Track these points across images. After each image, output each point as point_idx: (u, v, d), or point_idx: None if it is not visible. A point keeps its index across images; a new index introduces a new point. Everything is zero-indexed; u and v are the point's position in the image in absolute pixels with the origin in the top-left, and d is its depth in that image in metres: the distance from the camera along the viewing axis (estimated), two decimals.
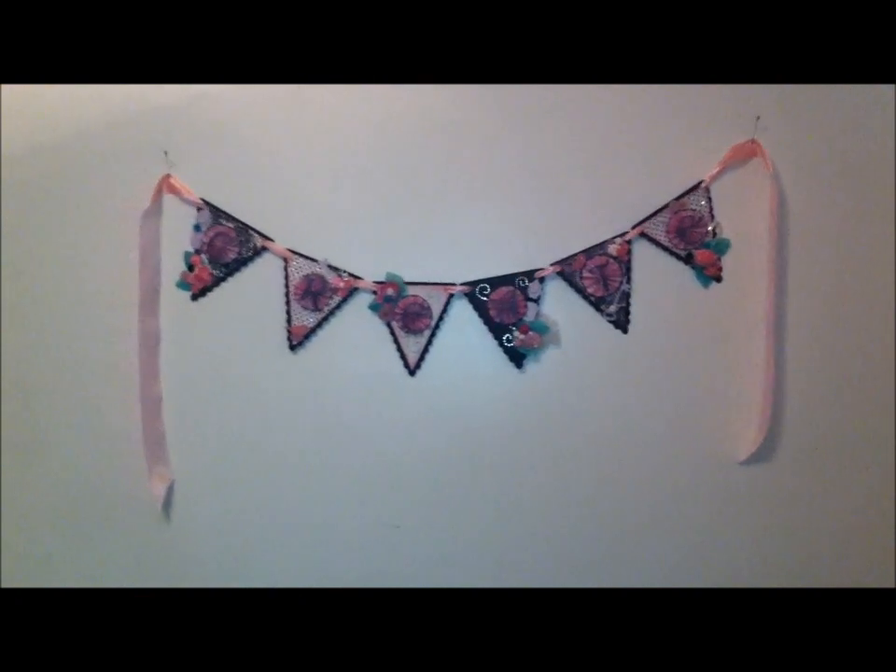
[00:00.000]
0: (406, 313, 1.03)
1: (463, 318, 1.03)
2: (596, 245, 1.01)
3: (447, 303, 1.03)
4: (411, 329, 1.03)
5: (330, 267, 1.04)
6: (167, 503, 1.07)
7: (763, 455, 1.00)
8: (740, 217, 1.00)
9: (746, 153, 0.99)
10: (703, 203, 1.00)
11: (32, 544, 1.10)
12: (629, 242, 1.01)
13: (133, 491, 1.07)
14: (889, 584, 1.00)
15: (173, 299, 1.06)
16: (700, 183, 1.00)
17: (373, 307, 1.03)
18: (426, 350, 1.03)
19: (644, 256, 1.01)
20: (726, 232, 1.00)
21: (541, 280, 1.02)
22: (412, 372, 1.04)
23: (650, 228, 1.01)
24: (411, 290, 1.03)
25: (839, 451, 1.00)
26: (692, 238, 1.00)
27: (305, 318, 1.04)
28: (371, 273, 1.03)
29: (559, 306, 1.02)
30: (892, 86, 0.96)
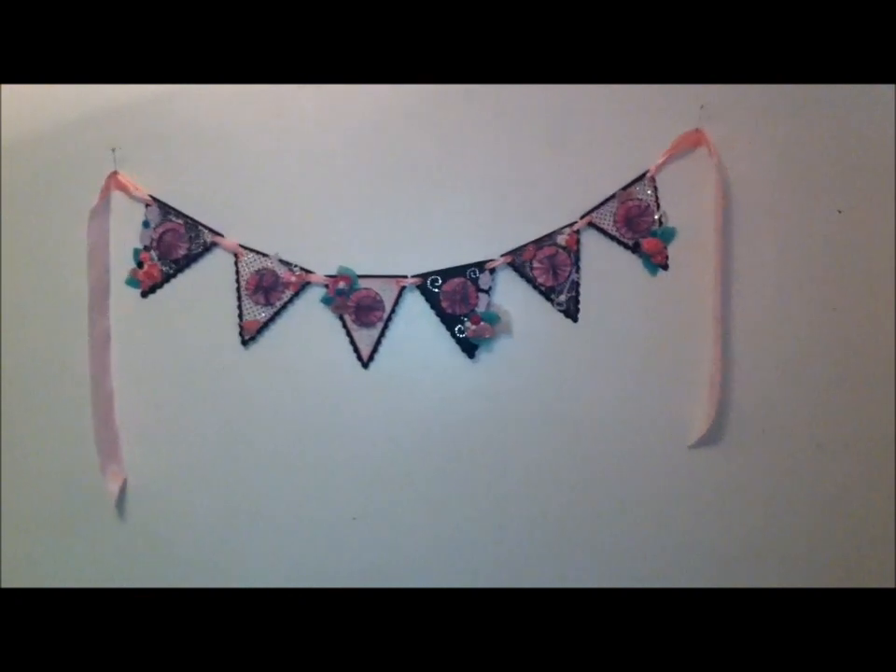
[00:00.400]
0: (358, 306, 1.03)
1: (415, 310, 1.04)
2: (546, 236, 1.02)
3: (399, 296, 1.03)
4: (363, 322, 1.03)
5: (282, 261, 1.03)
6: (121, 501, 1.07)
7: (710, 439, 1.02)
8: (686, 205, 1.02)
9: (691, 142, 1.01)
10: (649, 192, 1.02)
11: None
12: (578, 232, 1.02)
13: (86, 489, 1.06)
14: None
15: (123, 296, 1.06)
16: (646, 173, 1.01)
17: (326, 301, 1.03)
18: (378, 342, 1.04)
19: (592, 245, 1.03)
20: (672, 221, 1.02)
21: (492, 271, 1.03)
22: (365, 365, 1.04)
23: (597, 218, 1.02)
24: (363, 283, 1.03)
25: (787, 432, 1.03)
26: (639, 227, 1.02)
27: (257, 313, 1.04)
28: (322, 266, 1.04)
29: (510, 296, 1.03)
30: (830, 84, 0.98)
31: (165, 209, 1.04)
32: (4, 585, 1.08)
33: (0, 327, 1.07)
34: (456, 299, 1.03)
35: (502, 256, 1.03)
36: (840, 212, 1.00)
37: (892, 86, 0.99)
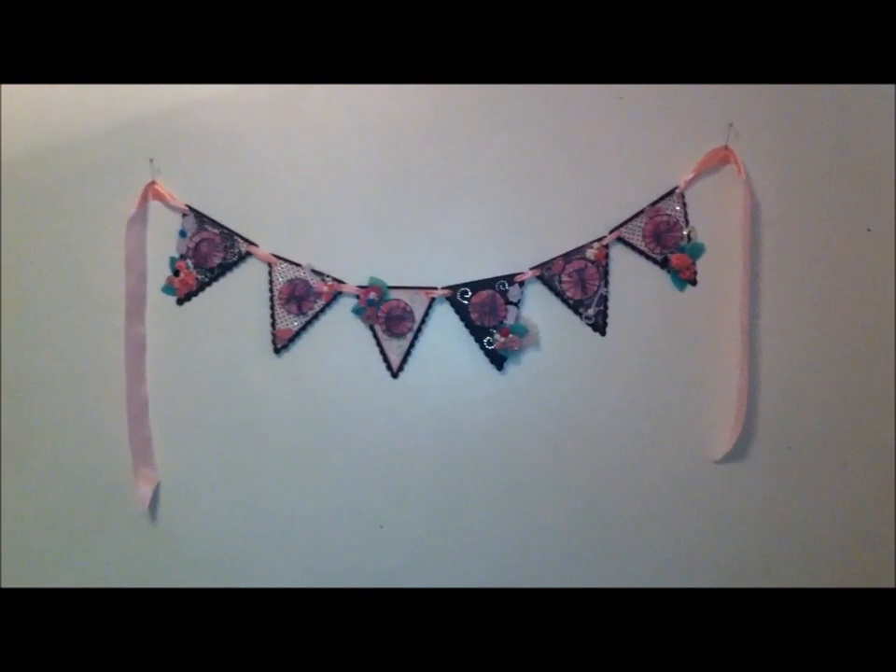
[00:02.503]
0: (389, 316, 1.05)
1: (445, 321, 1.05)
2: (575, 250, 1.04)
3: (429, 307, 1.05)
4: (393, 333, 1.05)
5: (314, 272, 1.05)
6: (153, 505, 1.08)
7: (738, 454, 1.02)
8: (714, 221, 1.03)
9: (719, 159, 1.02)
10: (678, 207, 1.03)
11: (20, 545, 1.11)
12: (607, 246, 1.03)
13: (120, 493, 1.08)
14: (888, 584, 1.02)
15: (159, 303, 1.08)
16: (675, 188, 1.02)
17: (357, 311, 1.05)
18: (408, 353, 1.05)
19: (621, 260, 1.04)
20: (701, 237, 1.03)
21: (521, 284, 1.04)
22: (394, 375, 1.05)
23: (626, 232, 1.03)
24: (393, 294, 1.05)
25: (813, 450, 1.03)
26: (667, 242, 1.03)
27: (290, 322, 1.06)
28: (354, 277, 1.05)
29: (539, 309, 1.04)
30: (859, 87, 0.99)
31: (201, 219, 1.07)
32: (41, 585, 1.10)
33: (39, 331, 1.09)
34: (485, 311, 1.04)
35: (531, 269, 1.04)
36: (869, 230, 1.01)
37: None
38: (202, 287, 1.07)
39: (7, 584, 1.09)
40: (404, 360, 1.05)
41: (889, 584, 1.02)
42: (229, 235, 1.06)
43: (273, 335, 1.06)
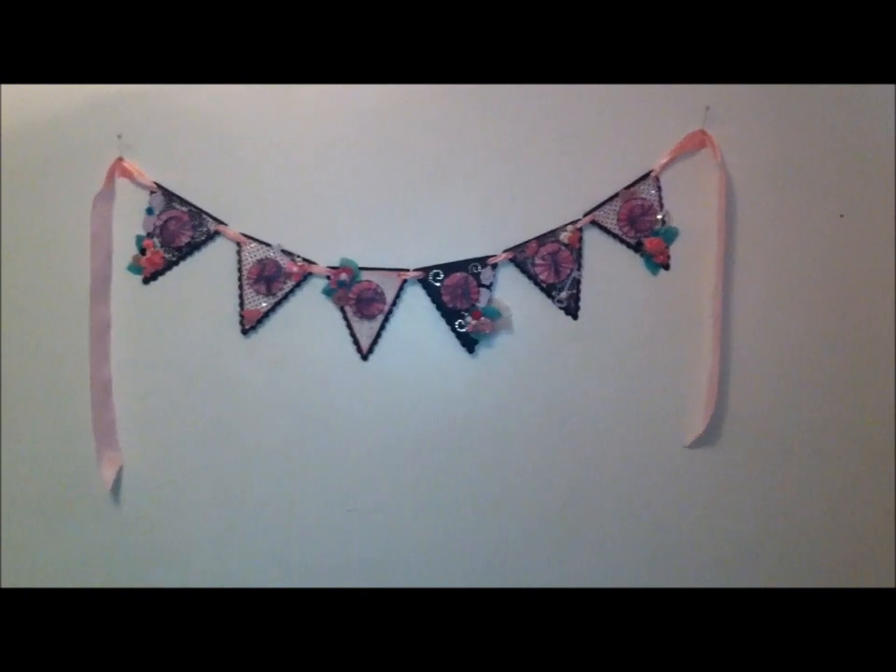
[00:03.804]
0: (360, 298, 1.03)
1: (416, 304, 1.04)
2: (548, 233, 1.03)
3: (400, 289, 1.03)
4: (364, 314, 1.04)
5: (284, 252, 1.04)
6: (117, 488, 1.07)
7: (708, 439, 1.02)
8: (689, 205, 1.02)
9: (695, 143, 1.01)
10: (653, 191, 1.02)
11: None
12: (580, 229, 1.02)
13: (85, 476, 1.06)
14: (889, 584, 1.02)
15: (124, 282, 1.06)
16: (650, 172, 1.02)
17: (327, 292, 1.04)
18: (378, 335, 1.04)
19: (595, 243, 1.03)
20: (675, 221, 1.02)
21: (494, 266, 1.03)
22: (364, 357, 1.04)
23: (600, 216, 1.02)
24: (364, 276, 1.03)
25: (785, 435, 1.03)
26: (641, 226, 1.02)
27: (258, 303, 1.04)
28: (324, 258, 1.04)
29: (511, 292, 1.03)
30: (834, 84, 0.98)
31: (169, 197, 1.05)
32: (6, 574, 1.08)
33: (0, 313, 1.07)
34: (457, 293, 1.03)
35: (504, 251, 1.03)
36: (842, 216, 1.00)
37: (893, 86, 0.99)
38: (169, 266, 1.05)
39: None
40: (374, 343, 1.04)
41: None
42: (197, 214, 1.04)
43: (242, 316, 1.04)
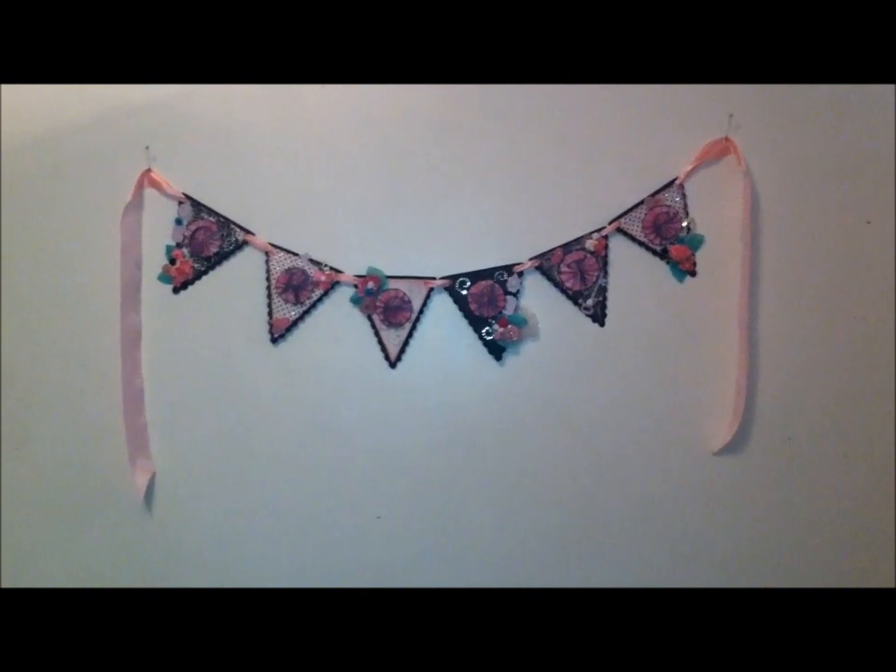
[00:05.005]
0: (387, 306, 1.04)
1: (443, 312, 1.05)
2: (574, 241, 1.03)
3: (427, 297, 1.04)
4: (391, 323, 1.04)
5: (312, 261, 1.05)
6: (149, 496, 1.08)
7: (735, 446, 1.02)
8: (714, 212, 1.02)
9: (719, 150, 1.02)
10: (678, 199, 1.03)
11: (15, 538, 1.10)
12: (606, 237, 1.03)
13: (115, 483, 1.07)
14: (888, 584, 1.02)
15: (154, 292, 1.07)
16: (675, 180, 1.02)
17: (354, 300, 1.04)
18: (406, 343, 1.05)
19: (620, 251, 1.03)
20: (700, 228, 1.03)
21: (520, 274, 1.04)
22: (392, 365, 1.05)
23: (626, 223, 1.03)
24: (391, 284, 1.04)
25: (812, 442, 1.03)
26: (667, 233, 1.03)
27: (287, 311, 1.05)
28: (352, 266, 1.05)
29: (537, 300, 1.04)
30: (859, 85, 0.99)
31: (198, 207, 1.06)
32: (36, 579, 1.09)
33: (34, 321, 1.08)
34: (484, 301, 1.04)
35: (530, 259, 1.03)
36: (869, 222, 1.01)
37: None
38: (198, 275, 1.06)
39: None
40: (402, 350, 1.05)
41: (889, 584, 1.02)
42: (225, 224, 1.05)
43: (270, 324, 1.05)
